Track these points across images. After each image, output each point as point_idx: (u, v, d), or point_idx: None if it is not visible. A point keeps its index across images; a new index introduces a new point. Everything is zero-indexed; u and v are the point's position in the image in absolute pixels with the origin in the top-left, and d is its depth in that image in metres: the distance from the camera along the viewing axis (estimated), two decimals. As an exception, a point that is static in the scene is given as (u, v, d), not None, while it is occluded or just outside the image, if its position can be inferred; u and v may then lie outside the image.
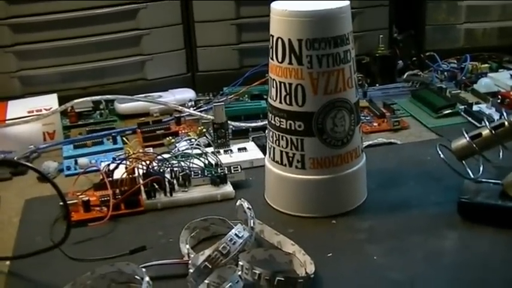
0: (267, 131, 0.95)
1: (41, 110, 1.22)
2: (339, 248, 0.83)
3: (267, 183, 0.96)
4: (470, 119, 1.25)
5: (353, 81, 0.89)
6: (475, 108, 1.29)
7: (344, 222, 0.90)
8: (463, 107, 1.29)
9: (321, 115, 0.87)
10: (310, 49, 0.85)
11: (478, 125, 1.20)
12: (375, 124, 1.25)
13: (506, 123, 0.88)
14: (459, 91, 1.41)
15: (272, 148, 0.92)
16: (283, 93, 0.87)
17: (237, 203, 0.81)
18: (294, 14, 0.85)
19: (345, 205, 0.92)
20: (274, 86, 0.89)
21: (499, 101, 1.31)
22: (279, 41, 0.86)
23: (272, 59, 0.88)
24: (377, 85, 1.45)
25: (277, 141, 0.91)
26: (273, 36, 0.88)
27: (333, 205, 0.91)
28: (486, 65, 1.54)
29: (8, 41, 1.36)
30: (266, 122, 1.16)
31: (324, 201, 0.91)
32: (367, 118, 1.27)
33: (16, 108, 1.25)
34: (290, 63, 0.86)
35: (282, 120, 0.89)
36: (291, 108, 0.87)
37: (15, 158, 1.13)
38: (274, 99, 0.89)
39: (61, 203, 0.86)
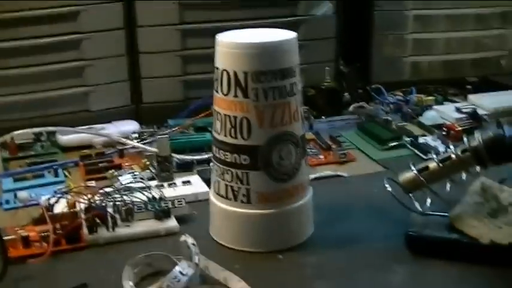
0: (211, 164, 0.93)
1: (-22, 142, 1.19)
2: (286, 284, 0.82)
3: (211, 217, 0.94)
4: (416, 151, 1.24)
5: (299, 114, 0.88)
6: (421, 140, 1.29)
7: (291, 258, 0.88)
8: (409, 139, 1.29)
9: (266, 148, 0.85)
10: (256, 82, 0.83)
11: (424, 157, 1.20)
12: (321, 157, 1.24)
13: (453, 156, 0.88)
14: (405, 123, 1.41)
15: (217, 182, 0.90)
16: (228, 126, 0.86)
17: (181, 239, 0.79)
18: (239, 46, 0.84)
19: (292, 240, 0.91)
20: (219, 119, 0.87)
21: (444, 133, 1.32)
22: (224, 74, 0.85)
23: (217, 91, 0.87)
24: (323, 117, 1.44)
25: (222, 175, 0.89)
26: (218, 68, 0.86)
27: (280, 240, 0.90)
28: (431, 97, 1.55)
29: None
30: (211, 155, 1.15)
31: (271, 236, 0.89)
32: (313, 151, 1.25)
33: (-48, 139, 1.21)
34: (235, 96, 0.84)
35: (226, 153, 0.87)
36: (236, 141, 0.86)
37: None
38: (219, 132, 0.88)
39: (-2, 239, 0.84)
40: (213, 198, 0.92)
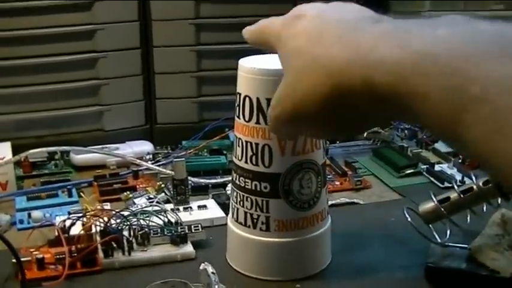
0: (230, 191, 0.92)
1: (-8, 159, 1.18)
2: (304, 314, 0.81)
3: (229, 243, 0.93)
4: (432, 179, 1.24)
5: (321, 142, 0.87)
6: (437, 168, 1.28)
7: (308, 287, 0.87)
8: (425, 166, 1.28)
9: (287, 176, 0.84)
10: None
11: (441, 185, 1.20)
12: (337, 183, 1.23)
13: (475, 187, 0.87)
14: (420, 150, 1.39)
15: (236, 209, 0.89)
16: (250, 153, 0.85)
17: (201, 267, 0.78)
18: (263, 72, 0.82)
19: (311, 269, 0.90)
20: (240, 145, 0.86)
21: (460, 160, 1.30)
22: (247, 100, 0.84)
23: (238, 117, 0.86)
24: (338, 142, 1.43)
25: (241, 202, 0.88)
26: (240, 94, 0.85)
27: (298, 268, 0.89)
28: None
29: (-39, 85, 1.32)
30: (226, 179, 1.14)
31: (289, 265, 0.88)
32: (329, 176, 1.24)
33: (-33, 156, 1.21)
34: (257, 122, 0.83)
35: (247, 180, 0.86)
36: (257, 168, 0.85)
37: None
38: (240, 158, 0.87)
39: (14, 260, 0.83)
40: (231, 225, 0.92)
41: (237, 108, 0.86)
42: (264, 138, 0.83)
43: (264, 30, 0.73)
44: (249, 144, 0.85)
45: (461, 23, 0.52)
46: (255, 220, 0.87)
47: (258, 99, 0.83)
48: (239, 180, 0.87)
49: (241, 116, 0.85)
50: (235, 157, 0.88)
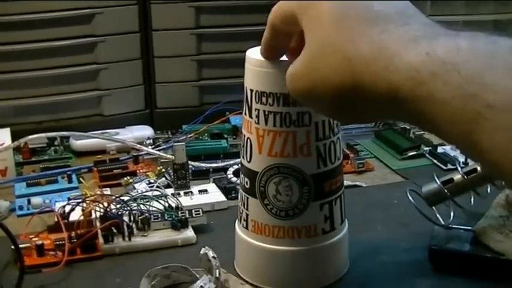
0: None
1: (-9, 145, 1.17)
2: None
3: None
4: (435, 161, 1.23)
5: (312, 149, 0.77)
6: (439, 149, 1.27)
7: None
8: (427, 148, 1.27)
9: (263, 177, 0.78)
10: (258, 102, 0.76)
11: (444, 167, 1.19)
12: (339, 166, 1.22)
13: (478, 168, 0.86)
14: (423, 132, 1.38)
15: None
16: (242, 144, 0.81)
17: (202, 251, 0.77)
18: (249, 60, 0.77)
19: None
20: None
21: (463, 142, 1.29)
22: (244, 88, 0.79)
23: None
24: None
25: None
26: (246, 87, 0.80)
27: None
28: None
29: (-41, 71, 1.31)
30: (227, 163, 1.13)
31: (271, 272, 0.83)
32: (331, 159, 1.23)
33: (-34, 143, 1.20)
34: (245, 113, 0.79)
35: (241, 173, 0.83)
36: (243, 161, 0.81)
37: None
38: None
39: (12, 247, 0.82)
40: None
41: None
42: (247, 131, 0.79)
43: (281, 7, 0.67)
44: (242, 134, 0.81)
45: (482, 37, 0.53)
46: (239, 214, 0.84)
47: (246, 88, 0.79)
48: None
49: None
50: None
